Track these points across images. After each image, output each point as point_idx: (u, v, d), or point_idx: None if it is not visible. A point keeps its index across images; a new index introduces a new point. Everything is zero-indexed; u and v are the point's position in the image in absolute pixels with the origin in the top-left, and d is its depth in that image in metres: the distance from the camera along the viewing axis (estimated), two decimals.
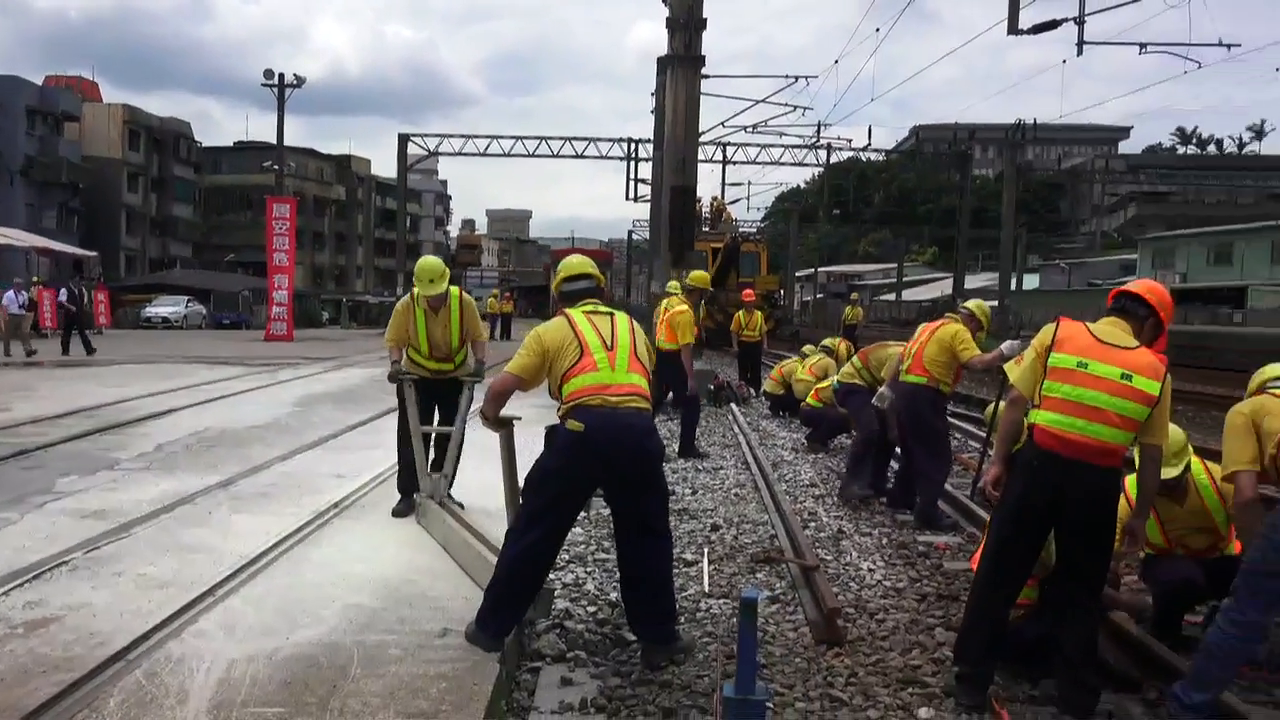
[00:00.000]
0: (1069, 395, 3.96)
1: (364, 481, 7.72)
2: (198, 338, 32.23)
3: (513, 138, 43.96)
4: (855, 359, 9.26)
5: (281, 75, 37.17)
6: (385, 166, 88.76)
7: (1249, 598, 3.78)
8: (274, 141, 38.63)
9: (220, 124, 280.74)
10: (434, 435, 6.81)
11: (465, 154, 44.71)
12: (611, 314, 4.62)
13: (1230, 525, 4.75)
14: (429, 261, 6.82)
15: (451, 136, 44.54)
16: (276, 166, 38.87)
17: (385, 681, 3.87)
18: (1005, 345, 7.15)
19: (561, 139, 43.64)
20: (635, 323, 4.69)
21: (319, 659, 4.07)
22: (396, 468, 6.93)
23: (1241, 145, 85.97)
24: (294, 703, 3.66)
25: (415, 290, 6.68)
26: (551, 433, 4.40)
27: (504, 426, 4.93)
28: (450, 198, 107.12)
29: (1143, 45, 25.00)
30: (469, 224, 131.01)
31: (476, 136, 44.33)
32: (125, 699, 3.65)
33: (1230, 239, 57.02)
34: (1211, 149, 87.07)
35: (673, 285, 12.18)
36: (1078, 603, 4.08)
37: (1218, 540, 4.87)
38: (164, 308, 40.92)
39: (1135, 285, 4.28)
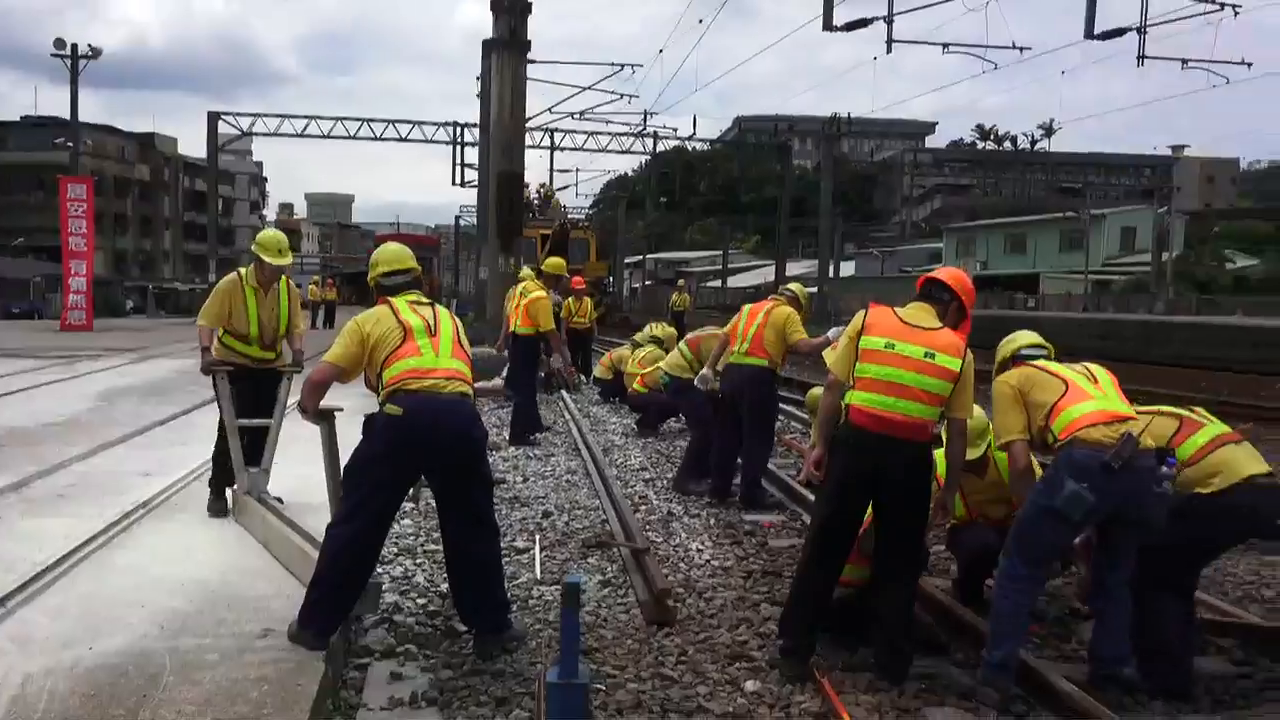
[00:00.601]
0: (879, 375, 4.18)
1: (175, 479, 7.31)
2: None
3: (333, 118, 42.27)
4: (684, 346, 9.10)
5: (75, 45, 34.53)
6: (194, 146, 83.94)
7: (1019, 554, 4.07)
8: (67, 117, 35.87)
9: (6, 97, 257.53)
10: (251, 429, 6.53)
11: (281, 134, 42.62)
12: (433, 304, 4.57)
13: None
14: (276, 233, 6.67)
15: (266, 116, 42.38)
16: (70, 144, 36.10)
17: (201, 688, 3.68)
18: (831, 331, 7.43)
19: (384, 121, 42.31)
20: (454, 315, 4.65)
21: (127, 669, 3.83)
22: (211, 464, 6.60)
23: (1034, 142, 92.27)
24: (99, 716, 3.43)
25: (244, 270, 6.50)
26: (370, 420, 4.28)
27: (325, 419, 4.77)
28: (266, 180, 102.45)
29: (945, 45, 26.52)
30: (287, 208, 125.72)
31: (293, 116, 42.35)
32: None
33: (1024, 229, 61.33)
34: (1008, 145, 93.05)
35: (525, 272, 12.15)
36: (896, 574, 4.31)
37: (1014, 509, 5.23)
38: None
39: (941, 273, 4.55)
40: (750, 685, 4.18)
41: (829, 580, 4.36)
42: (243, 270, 6.54)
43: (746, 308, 7.90)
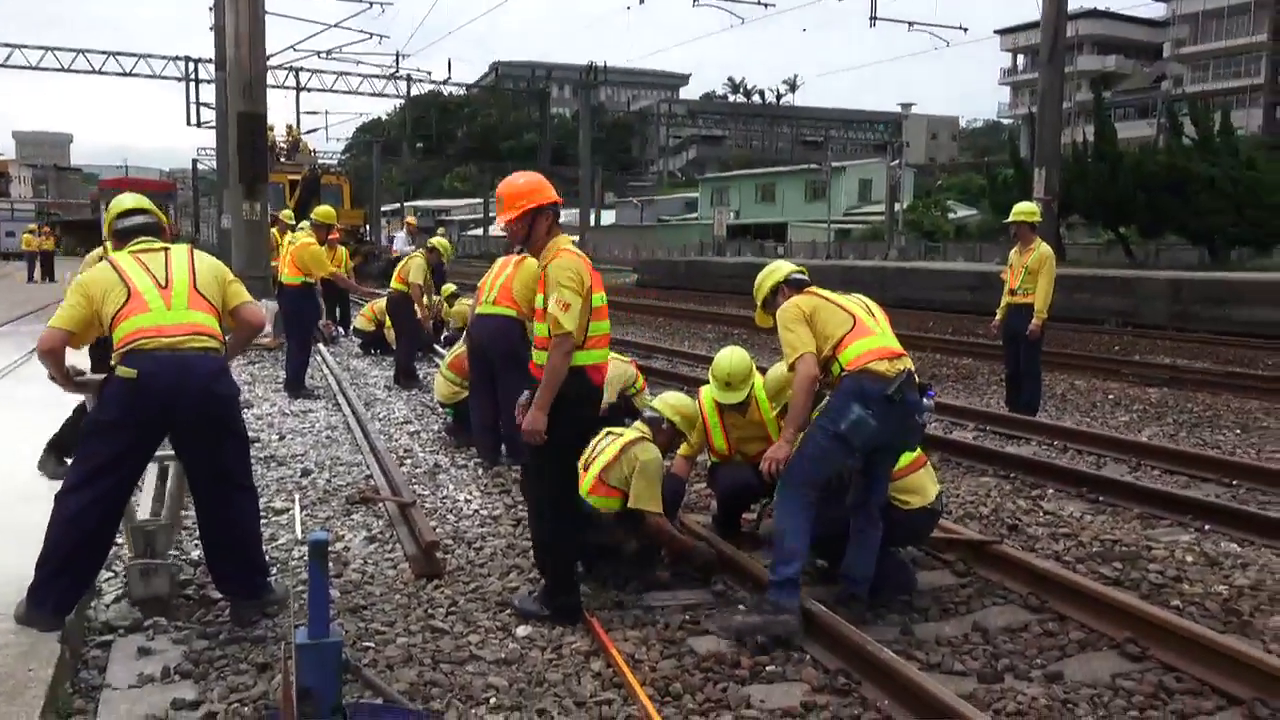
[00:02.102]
0: (601, 329, 4.32)
1: None
2: None
3: (41, 48, 38.18)
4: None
5: None
6: None
7: (804, 477, 4.24)
8: None
9: None
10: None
11: None
12: (167, 249, 4.19)
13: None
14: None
15: None
16: None
17: None
18: None
19: (104, 53, 38.66)
20: (200, 255, 4.28)
21: None
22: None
23: (779, 96, 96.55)
24: None
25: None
26: (104, 383, 3.94)
27: (87, 389, 4.34)
28: None
29: None
30: None
31: None
32: None
33: (774, 180, 64.35)
34: (756, 98, 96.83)
35: (305, 225, 11.74)
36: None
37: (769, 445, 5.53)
38: None
39: (550, 196, 4.39)
40: (522, 630, 4.23)
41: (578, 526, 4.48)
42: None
43: (499, 261, 7.73)
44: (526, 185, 4.37)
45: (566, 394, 4.20)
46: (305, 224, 11.36)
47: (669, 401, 5.23)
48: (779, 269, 4.79)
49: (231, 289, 4.25)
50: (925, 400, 4.36)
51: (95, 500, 3.86)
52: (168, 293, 4.00)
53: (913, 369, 4.32)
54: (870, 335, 4.34)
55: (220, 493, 4.10)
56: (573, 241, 4.42)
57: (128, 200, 4.47)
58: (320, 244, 10.87)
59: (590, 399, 4.34)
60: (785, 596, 4.16)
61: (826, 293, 4.55)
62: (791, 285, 4.65)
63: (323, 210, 11.71)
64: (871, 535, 4.42)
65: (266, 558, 4.51)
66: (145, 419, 3.90)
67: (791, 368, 4.36)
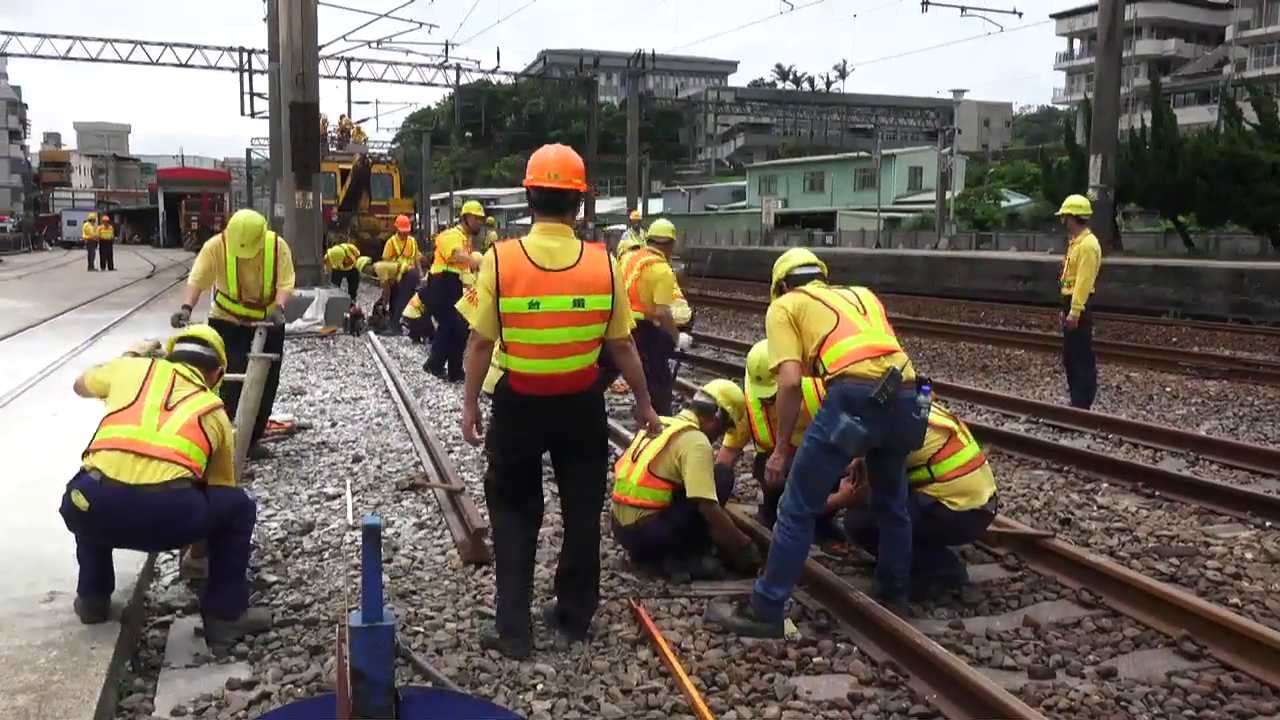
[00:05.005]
0: (529, 338, 3.92)
1: None
2: None
3: (101, 40, 38.84)
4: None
5: None
6: None
7: (804, 493, 4.18)
8: None
9: None
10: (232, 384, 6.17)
11: (41, 56, 38.76)
12: (200, 390, 4.07)
13: None
14: (248, 222, 6.79)
15: (22, 35, 38.35)
16: None
17: None
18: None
19: (161, 44, 39.25)
20: (220, 414, 4.05)
21: None
22: None
23: (829, 83, 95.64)
24: None
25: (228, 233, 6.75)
26: (76, 477, 3.77)
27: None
28: (26, 107, 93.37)
29: None
30: (53, 138, 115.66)
31: (54, 36, 38.57)
32: None
33: (822, 168, 63.73)
34: (805, 85, 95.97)
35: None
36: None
37: None
38: None
39: (562, 163, 4.12)
40: None
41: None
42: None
43: (627, 257, 7.75)
44: None
45: (496, 396, 4.00)
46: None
47: (721, 389, 5.22)
48: (789, 260, 4.63)
49: (223, 458, 4.04)
50: (921, 396, 4.24)
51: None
52: (168, 414, 3.87)
53: (901, 366, 4.13)
54: (854, 334, 4.18)
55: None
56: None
57: (197, 330, 4.61)
58: (467, 234, 11.43)
59: (511, 409, 3.92)
60: (770, 610, 4.13)
61: (816, 289, 4.38)
62: (794, 282, 4.47)
63: (470, 205, 12.31)
64: (899, 532, 4.34)
65: (249, 589, 4.29)
66: (95, 539, 3.82)
67: (774, 371, 4.31)
